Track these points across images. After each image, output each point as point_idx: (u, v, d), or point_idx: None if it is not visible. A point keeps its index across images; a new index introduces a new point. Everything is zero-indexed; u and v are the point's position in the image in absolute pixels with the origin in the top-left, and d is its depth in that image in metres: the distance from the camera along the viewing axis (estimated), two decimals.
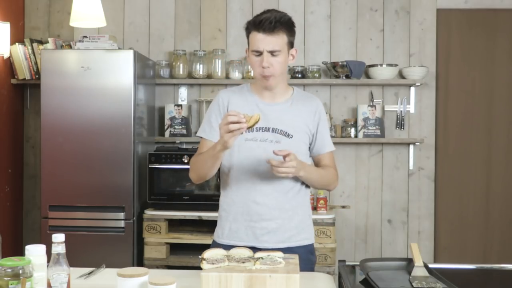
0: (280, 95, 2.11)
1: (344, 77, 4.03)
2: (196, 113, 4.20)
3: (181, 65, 4.09)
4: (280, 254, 1.80)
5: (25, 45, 4.03)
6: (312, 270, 2.10)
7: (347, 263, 2.08)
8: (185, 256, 3.70)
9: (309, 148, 2.13)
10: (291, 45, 2.04)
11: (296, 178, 2.06)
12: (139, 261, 3.67)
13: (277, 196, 2.05)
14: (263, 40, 1.96)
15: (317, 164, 2.16)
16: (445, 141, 4.13)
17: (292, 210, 2.08)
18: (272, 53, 1.97)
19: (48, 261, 1.55)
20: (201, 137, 2.13)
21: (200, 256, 1.74)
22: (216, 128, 2.05)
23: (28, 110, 4.29)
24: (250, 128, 1.83)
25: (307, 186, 2.14)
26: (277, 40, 1.97)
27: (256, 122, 1.81)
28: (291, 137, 2.05)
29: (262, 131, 2.04)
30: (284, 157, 1.87)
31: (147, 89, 3.95)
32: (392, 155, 4.15)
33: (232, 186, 2.08)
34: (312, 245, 2.15)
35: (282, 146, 2.00)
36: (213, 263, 1.70)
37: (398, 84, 4.08)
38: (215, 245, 2.12)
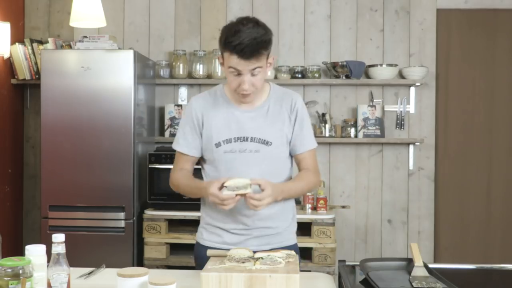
0: (256, 99, 2.02)
1: (344, 77, 4.03)
2: None
3: (181, 65, 4.09)
4: (280, 254, 1.80)
5: (25, 45, 4.03)
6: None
7: (347, 263, 2.08)
8: (185, 256, 3.70)
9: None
10: (268, 54, 1.94)
11: (280, 182, 2.02)
12: (139, 261, 3.67)
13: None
14: (243, 64, 1.86)
15: (297, 163, 2.09)
16: (445, 141, 4.13)
17: (277, 217, 2.05)
18: (252, 72, 1.89)
19: (48, 261, 1.55)
20: (177, 150, 2.09)
21: (224, 184, 1.81)
22: (191, 142, 2.04)
23: (28, 110, 4.29)
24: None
25: None
26: (257, 61, 1.87)
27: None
28: (270, 144, 1.99)
29: (241, 141, 1.99)
30: (260, 185, 1.84)
31: (147, 89, 3.95)
32: (392, 155, 4.15)
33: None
34: (295, 245, 2.13)
35: (262, 155, 1.98)
36: (234, 190, 1.76)
37: (398, 84, 4.08)
38: (199, 246, 2.12)
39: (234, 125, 2.00)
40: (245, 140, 1.99)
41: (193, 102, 2.08)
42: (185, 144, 2.05)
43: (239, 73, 1.90)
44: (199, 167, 2.11)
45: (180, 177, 2.07)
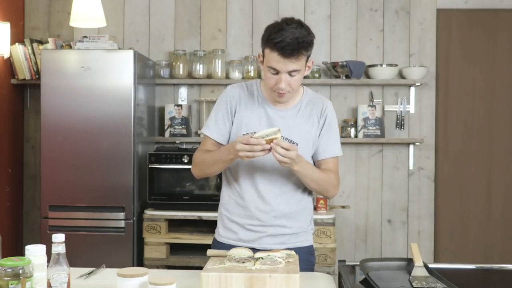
0: (290, 100, 2.05)
1: (344, 77, 4.03)
2: (196, 113, 4.20)
3: (181, 65, 4.09)
4: (280, 254, 1.80)
5: (25, 45, 4.03)
6: (312, 271, 2.10)
7: (347, 263, 2.08)
8: (185, 256, 3.70)
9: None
10: (308, 58, 1.97)
11: (299, 184, 2.04)
12: (139, 261, 3.67)
13: (279, 202, 2.04)
14: (282, 62, 1.88)
15: (318, 167, 2.09)
16: (445, 141, 4.13)
17: (294, 217, 2.07)
18: (290, 73, 1.91)
19: (48, 261, 1.56)
20: (205, 134, 2.10)
21: (253, 136, 1.80)
22: (221, 127, 2.05)
23: (28, 110, 4.29)
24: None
25: (311, 193, 2.13)
26: (297, 62, 1.89)
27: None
28: (296, 145, 2.00)
29: None
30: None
31: (147, 89, 3.95)
32: (392, 155, 4.15)
33: (235, 190, 2.08)
34: (311, 246, 2.15)
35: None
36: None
37: (398, 84, 4.08)
38: (215, 242, 2.13)
39: (264, 120, 2.03)
40: None
41: (229, 90, 2.10)
42: (215, 129, 2.07)
43: (277, 72, 1.91)
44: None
45: (201, 154, 2.07)
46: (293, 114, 2.06)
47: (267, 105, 2.06)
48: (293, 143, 2.01)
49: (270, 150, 1.81)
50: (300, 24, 1.90)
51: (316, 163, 2.09)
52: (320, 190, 2.07)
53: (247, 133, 1.99)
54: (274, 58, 1.88)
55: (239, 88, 2.10)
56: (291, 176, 2.02)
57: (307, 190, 2.10)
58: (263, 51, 1.96)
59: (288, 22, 1.89)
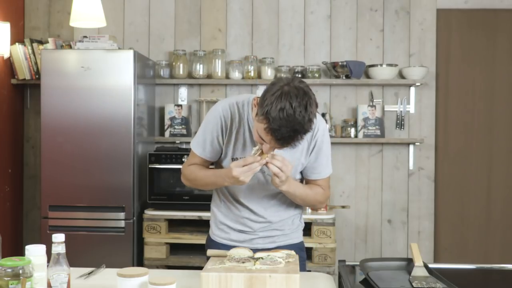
0: None
1: (344, 77, 4.03)
2: (196, 113, 4.20)
3: (181, 65, 4.09)
4: (280, 254, 1.80)
5: (25, 45, 4.02)
6: (304, 266, 2.11)
7: (347, 263, 2.08)
8: (185, 256, 3.70)
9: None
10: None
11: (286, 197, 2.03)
12: (139, 261, 3.67)
13: (269, 214, 2.05)
14: (274, 144, 1.75)
15: (307, 183, 2.09)
16: (445, 141, 4.13)
17: (284, 223, 2.09)
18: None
19: (48, 261, 1.56)
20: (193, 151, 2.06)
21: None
22: (208, 147, 1.99)
23: (28, 110, 4.29)
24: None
25: None
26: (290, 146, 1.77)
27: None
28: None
29: None
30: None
31: (147, 89, 3.95)
32: (392, 155, 4.15)
33: (228, 195, 2.09)
34: (302, 242, 2.17)
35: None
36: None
37: (398, 84, 4.08)
38: (209, 240, 2.16)
39: (254, 145, 1.95)
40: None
41: (220, 109, 1.98)
42: (203, 148, 2.02)
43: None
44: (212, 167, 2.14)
45: (194, 170, 2.04)
46: None
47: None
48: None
49: (266, 163, 1.79)
50: (305, 108, 1.67)
51: (306, 181, 2.09)
52: (306, 205, 2.11)
53: (236, 158, 1.97)
54: (267, 137, 1.73)
55: (230, 108, 1.97)
56: (277, 194, 2.03)
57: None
58: (257, 112, 1.74)
59: (293, 103, 1.66)
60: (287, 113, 1.65)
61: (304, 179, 2.12)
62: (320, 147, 2.01)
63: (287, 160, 1.82)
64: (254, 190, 2.03)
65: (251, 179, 1.86)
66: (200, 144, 2.02)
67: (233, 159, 1.99)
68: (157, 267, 3.55)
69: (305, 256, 2.19)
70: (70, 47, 3.99)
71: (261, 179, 2.00)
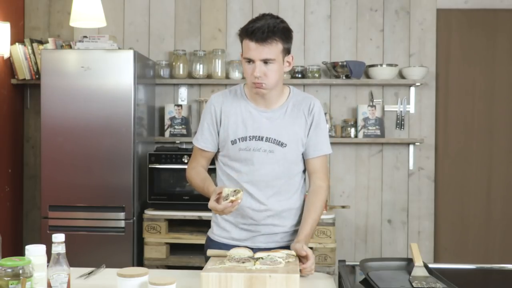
0: (274, 100, 2.05)
1: (344, 77, 4.03)
2: (196, 113, 4.20)
3: (181, 65, 4.09)
4: (280, 254, 1.80)
5: (25, 45, 4.03)
6: None
7: (347, 263, 2.08)
8: (185, 256, 3.70)
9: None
10: (287, 51, 2.01)
11: (289, 184, 2.07)
12: (139, 261, 3.67)
13: (271, 202, 2.05)
14: (256, 49, 1.92)
15: (307, 166, 2.10)
16: (445, 141, 4.13)
17: (286, 216, 2.08)
18: (265, 61, 1.93)
19: (48, 261, 1.56)
20: (194, 145, 2.15)
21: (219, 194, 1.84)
22: (208, 137, 2.09)
23: (28, 110, 4.29)
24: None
25: (302, 190, 2.14)
26: (270, 49, 1.93)
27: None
28: (285, 146, 2.02)
29: (256, 140, 2.02)
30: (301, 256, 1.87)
31: (147, 89, 3.95)
32: (392, 155, 4.15)
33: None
34: None
35: (276, 155, 2.01)
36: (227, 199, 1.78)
37: (398, 84, 4.08)
38: (209, 240, 2.15)
39: (251, 124, 2.03)
40: (260, 139, 2.02)
41: (213, 99, 2.11)
42: (202, 139, 2.11)
43: (252, 61, 1.94)
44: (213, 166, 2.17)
45: (194, 175, 2.12)
46: (280, 115, 2.05)
47: (251, 107, 2.06)
48: (282, 144, 2.02)
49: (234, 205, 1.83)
50: (277, 17, 1.99)
51: (306, 162, 2.10)
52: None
53: (235, 140, 2.03)
54: (247, 46, 1.93)
55: (222, 95, 2.11)
56: (279, 179, 2.04)
57: (297, 189, 2.11)
58: (242, 47, 1.99)
59: (265, 15, 1.98)
60: (259, 18, 1.97)
61: (305, 169, 2.12)
62: (318, 123, 2.08)
63: (313, 257, 1.86)
64: (256, 177, 2.03)
65: (254, 166, 2.00)
66: (199, 138, 2.11)
67: (231, 142, 2.02)
68: (157, 267, 3.55)
69: None
70: (70, 47, 3.99)
71: (261, 167, 2.01)
